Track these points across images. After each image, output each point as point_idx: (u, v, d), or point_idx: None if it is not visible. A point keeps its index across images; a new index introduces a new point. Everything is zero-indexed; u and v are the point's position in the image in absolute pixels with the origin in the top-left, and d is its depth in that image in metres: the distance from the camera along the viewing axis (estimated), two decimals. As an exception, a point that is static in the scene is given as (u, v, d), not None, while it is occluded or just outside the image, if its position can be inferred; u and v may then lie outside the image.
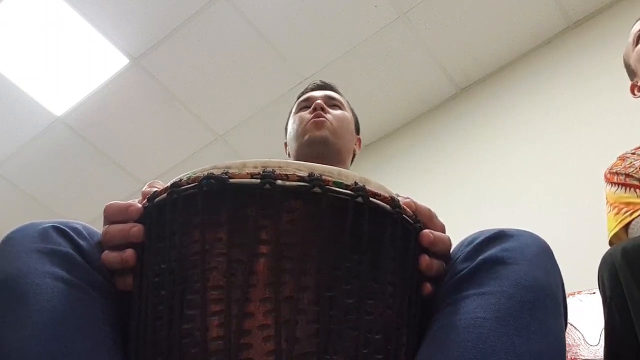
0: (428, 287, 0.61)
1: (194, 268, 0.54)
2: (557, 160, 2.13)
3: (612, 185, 1.19)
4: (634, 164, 1.18)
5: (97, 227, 0.65)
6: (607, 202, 1.20)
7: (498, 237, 0.61)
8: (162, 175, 3.01)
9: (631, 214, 1.10)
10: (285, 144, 1.27)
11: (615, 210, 1.15)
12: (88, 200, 3.17)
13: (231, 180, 0.54)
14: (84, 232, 0.62)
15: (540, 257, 0.59)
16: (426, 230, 0.61)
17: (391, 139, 2.89)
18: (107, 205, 0.62)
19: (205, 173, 0.55)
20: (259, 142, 2.92)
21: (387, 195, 0.58)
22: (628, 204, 1.12)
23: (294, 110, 1.26)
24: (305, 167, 0.56)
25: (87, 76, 2.63)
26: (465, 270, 0.59)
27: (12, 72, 2.59)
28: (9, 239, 0.60)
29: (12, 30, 2.43)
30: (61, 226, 0.60)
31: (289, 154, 1.24)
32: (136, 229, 0.59)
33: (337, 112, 1.21)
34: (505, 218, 2.12)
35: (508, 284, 0.55)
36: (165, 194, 0.57)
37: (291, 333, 0.51)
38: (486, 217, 2.17)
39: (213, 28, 2.46)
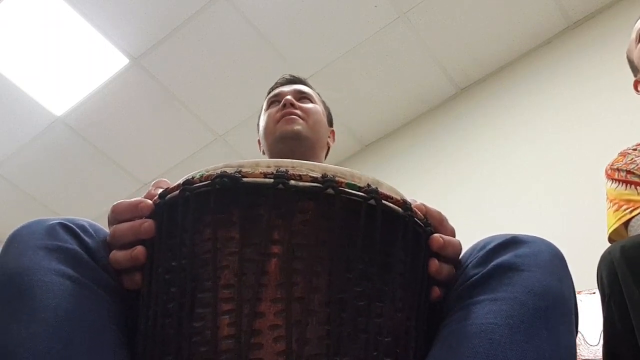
0: (437, 291, 0.61)
1: (205, 266, 0.54)
2: (557, 160, 2.13)
3: (612, 181, 1.19)
4: (635, 161, 1.18)
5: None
6: (608, 198, 1.20)
7: (511, 243, 0.60)
8: (162, 175, 3.01)
9: (631, 212, 1.10)
10: (258, 141, 1.25)
11: (616, 207, 1.15)
12: (88, 200, 3.16)
13: (244, 179, 0.54)
14: (90, 229, 0.62)
15: (553, 264, 0.59)
16: (436, 235, 0.60)
17: (391, 139, 2.89)
18: (115, 205, 0.62)
19: (219, 171, 0.55)
20: (259, 142, 2.92)
21: (399, 198, 0.58)
22: (628, 201, 1.13)
23: (264, 107, 1.25)
24: (318, 168, 0.56)
25: (87, 76, 2.62)
26: (477, 276, 0.58)
27: (12, 72, 2.58)
28: (15, 235, 0.59)
29: (12, 30, 2.42)
30: (68, 223, 0.60)
31: (263, 152, 1.22)
32: (147, 224, 0.58)
33: (308, 105, 1.19)
34: (506, 218, 2.12)
35: (520, 291, 0.55)
36: (178, 191, 0.57)
37: (302, 334, 0.51)
38: (486, 217, 2.18)
39: (213, 28, 2.46)
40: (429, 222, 0.61)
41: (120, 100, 2.72)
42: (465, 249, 0.66)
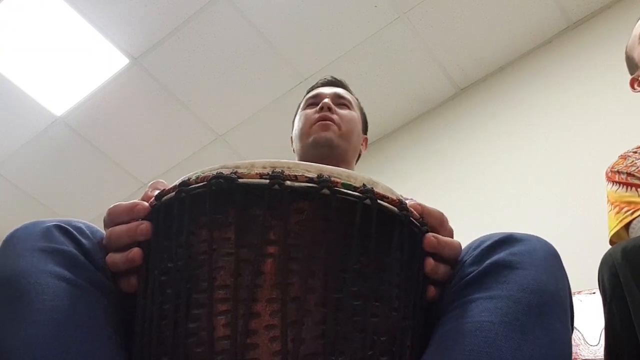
0: (433, 290, 0.61)
1: (201, 267, 0.54)
2: (557, 160, 2.13)
3: (613, 183, 1.19)
4: (635, 163, 1.18)
5: (98, 226, 0.65)
6: (608, 200, 1.20)
7: (506, 241, 0.60)
8: (162, 175, 3.01)
9: (632, 214, 1.10)
10: (292, 138, 1.25)
11: (616, 209, 1.15)
12: (88, 200, 3.17)
13: (240, 180, 0.54)
14: (87, 231, 0.62)
15: (548, 261, 0.59)
16: (429, 235, 0.60)
17: (391, 139, 2.89)
18: (111, 208, 0.61)
19: (214, 172, 0.55)
20: (259, 142, 2.92)
21: (395, 197, 0.57)
22: (629, 203, 1.13)
23: (301, 105, 1.24)
24: (314, 169, 0.55)
25: (87, 76, 2.63)
26: (472, 274, 0.58)
27: (12, 72, 2.59)
28: (12, 237, 0.59)
29: (12, 30, 2.43)
30: (64, 225, 0.60)
31: (294, 150, 1.23)
32: (144, 225, 0.58)
33: (345, 112, 1.19)
34: (506, 218, 2.12)
35: (515, 288, 0.55)
36: (174, 193, 0.57)
37: (298, 334, 0.51)
38: (486, 216, 2.18)
39: (213, 28, 2.46)
40: (425, 222, 0.61)
41: (120, 100, 2.72)
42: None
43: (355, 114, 1.23)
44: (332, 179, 0.54)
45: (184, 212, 0.56)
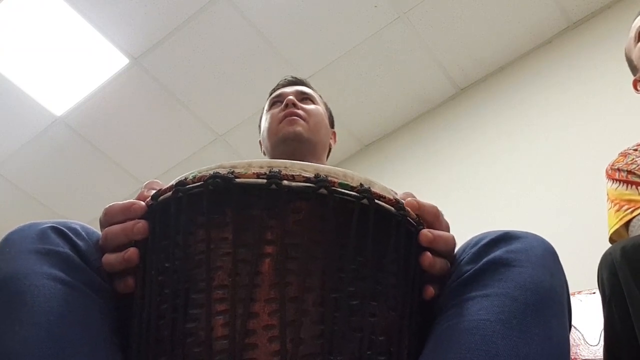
0: (431, 290, 0.60)
1: (198, 267, 0.54)
2: (557, 160, 2.13)
3: (613, 181, 1.19)
4: (635, 161, 1.18)
5: (97, 227, 0.64)
6: (608, 198, 1.20)
7: (503, 238, 0.60)
8: (163, 175, 3.01)
9: (632, 212, 1.10)
10: (260, 142, 1.26)
11: (616, 207, 1.15)
12: (88, 200, 3.16)
13: (237, 179, 0.54)
14: (83, 232, 0.62)
15: (546, 259, 0.59)
16: (425, 230, 0.60)
17: (391, 139, 2.89)
18: (107, 207, 0.61)
19: (211, 172, 0.55)
20: (259, 142, 2.92)
21: (391, 197, 0.58)
22: (629, 201, 1.13)
23: (266, 107, 1.25)
24: (311, 168, 0.56)
25: (87, 76, 2.62)
26: (469, 272, 0.58)
27: (12, 72, 2.59)
28: (7, 239, 0.59)
29: (12, 30, 2.43)
30: (59, 227, 0.60)
31: (264, 152, 1.23)
32: (140, 225, 0.58)
33: (310, 106, 1.20)
34: (505, 218, 2.12)
35: (512, 286, 0.55)
36: (170, 192, 0.57)
37: (296, 334, 0.51)
38: (486, 216, 2.18)
39: (213, 28, 2.46)
40: (421, 220, 0.61)
41: (120, 100, 2.72)
42: (462, 247, 0.65)
43: (320, 108, 1.23)
44: (330, 178, 0.54)
45: (181, 212, 0.56)
